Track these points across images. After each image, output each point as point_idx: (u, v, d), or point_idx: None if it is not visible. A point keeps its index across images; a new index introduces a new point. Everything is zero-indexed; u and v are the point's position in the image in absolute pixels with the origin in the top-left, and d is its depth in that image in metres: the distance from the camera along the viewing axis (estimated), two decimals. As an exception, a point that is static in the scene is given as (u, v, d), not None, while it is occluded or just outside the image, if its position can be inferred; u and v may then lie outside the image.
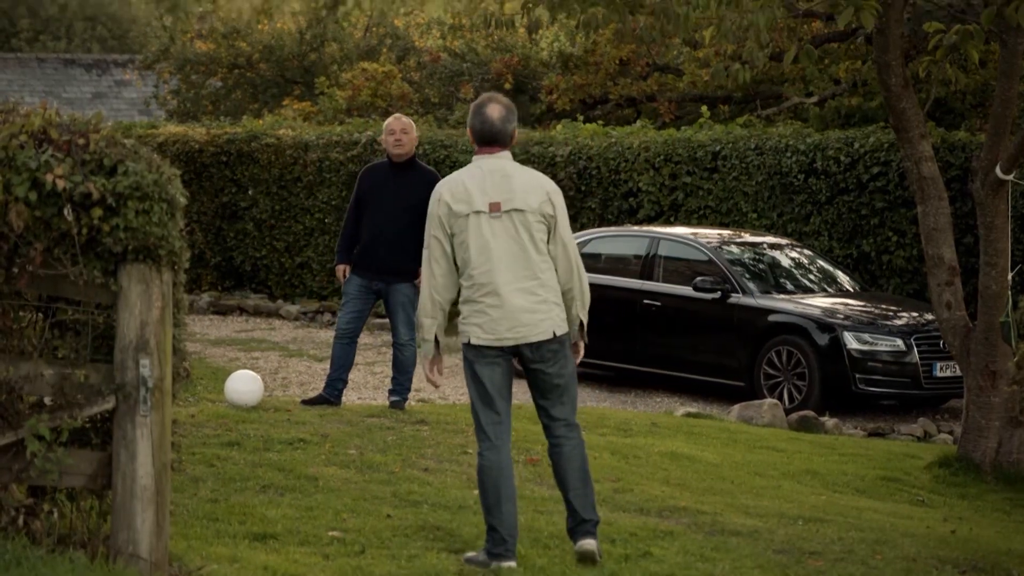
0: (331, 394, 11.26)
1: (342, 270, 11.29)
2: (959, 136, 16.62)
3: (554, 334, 6.84)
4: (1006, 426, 10.98)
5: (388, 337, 18.19)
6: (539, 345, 6.83)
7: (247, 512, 7.54)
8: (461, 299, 6.89)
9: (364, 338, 18.27)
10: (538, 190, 6.88)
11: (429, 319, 6.87)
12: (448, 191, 6.85)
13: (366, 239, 11.11)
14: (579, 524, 6.97)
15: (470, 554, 6.94)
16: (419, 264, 7.30)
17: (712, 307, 15.05)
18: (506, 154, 6.94)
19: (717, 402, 14.73)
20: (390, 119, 11.22)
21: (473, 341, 6.83)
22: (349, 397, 13.84)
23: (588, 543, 6.94)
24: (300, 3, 30.17)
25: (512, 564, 6.78)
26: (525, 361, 6.89)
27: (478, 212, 6.78)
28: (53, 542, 5.98)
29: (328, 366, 11.63)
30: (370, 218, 11.09)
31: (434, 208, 6.87)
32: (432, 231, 6.86)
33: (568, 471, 6.95)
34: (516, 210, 6.80)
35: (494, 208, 6.79)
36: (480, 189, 6.81)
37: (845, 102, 19.67)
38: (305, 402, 11.32)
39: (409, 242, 10.72)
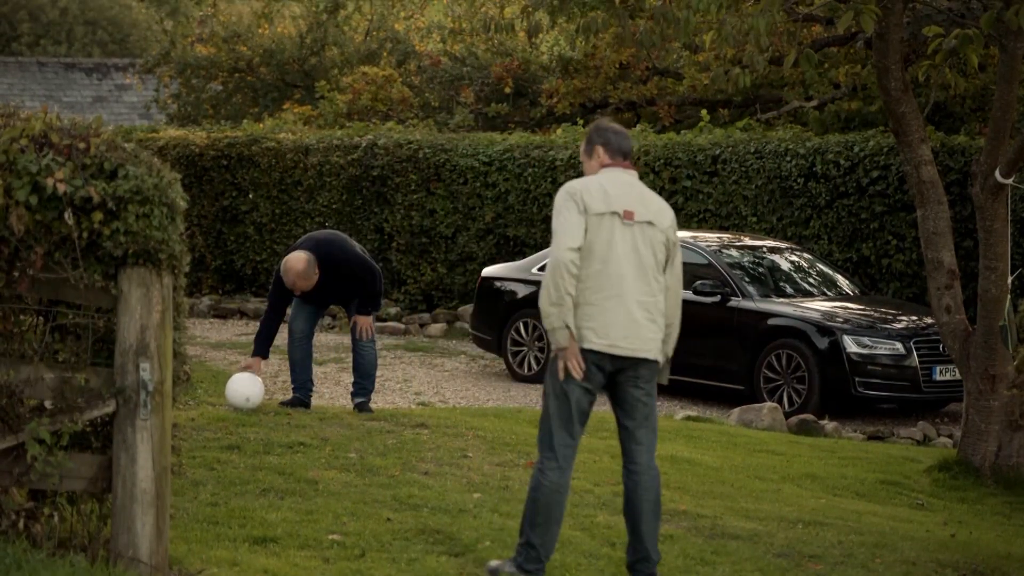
0: (305, 395, 11.38)
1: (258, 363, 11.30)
2: (959, 140, 16.63)
3: (657, 357, 6.77)
4: (1006, 430, 10.98)
5: (388, 341, 18.25)
6: (642, 364, 6.71)
7: (247, 515, 7.54)
8: (578, 303, 6.66)
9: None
10: (668, 213, 6.89)
11: (555, 307, 6.58)
12: (584, 188, 6.73)
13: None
14: (641, 561, 6.81)
15: (494, 563, 6.85)
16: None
17: (712, 311, 15.06)
18: (635, 173, 6.93)
19: (717, 406, 14.73)
20: (289, 280, 11.06)
21: (584, 345, 6.64)
22: (349, 400, 13.84)
23: None
24: (300, 7, 30.17)
25: None
26: (621, 378, 6.72)
27: (614, 213, 6.70)
28: (53, 546, 5.98)
29: (313, 369, 11.71)
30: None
31: (566, 201, 6.68)
32: (567, 215, 6.63)
33: (643, 502, 6.78)
34: (648, 223, 6.76)
35: (628, 216, 6.72)
36: (616, 194, 6.74)
37: (845, 106, 19.68)
38: (283, 404, 11.41)
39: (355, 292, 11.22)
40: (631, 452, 6.83)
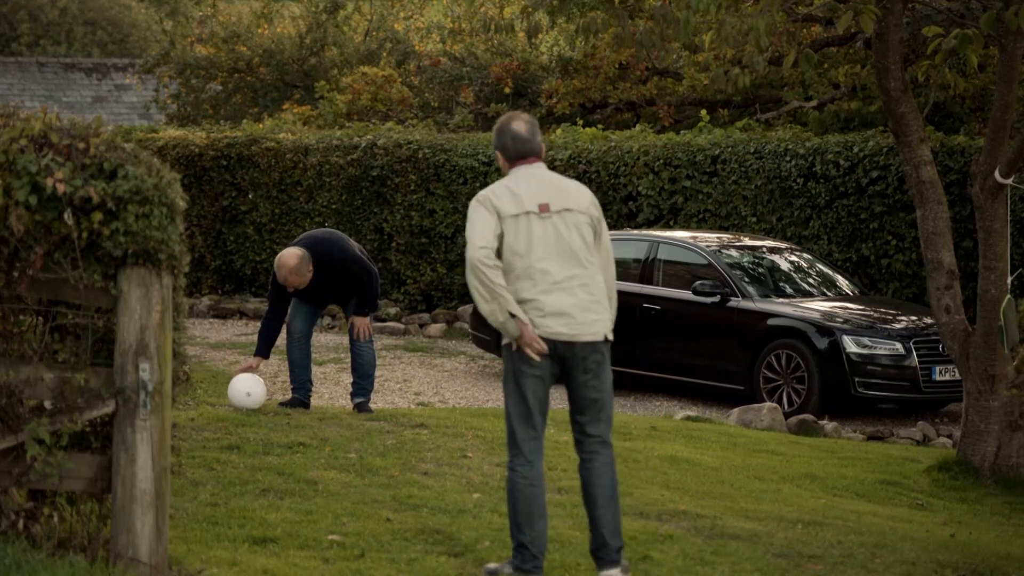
0: (304, 395, 11.37)
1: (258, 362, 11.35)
2: (958, 140, 16.63)
3: (605, 337, 6.79)
4: (1005, 430, 10.98)
5: (388, 341, 18.25)
6: (585, 352, 6.72)
7: (247, 516, 7.54)
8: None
9: (364, 342, 18.29)
10: (583, 192, 6.94)
11: (492, 303, 6.59)
12: (493, 195, 6.78)
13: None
14: (602, 547, 6.82)
15: (492, 565, 6.85)
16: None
17: (711, 311, 15.06)
18: (542, 165, 6.95)
19: (716, 406, 14.73)
20: (281, 275, 11.06)
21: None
22: (348, 401, 13.84)
23: (612, 574, 6.80)
24: (300, 7, 30.17)
25: None
26: (569, 369, 6.75)
27: (528, 212, 6.74)
28: (53, 546, 5.98)
29: (312, 369, 11.72)
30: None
31: (475, 208, 6.75)
32: (476, 220, 6.69)
33: (597, 487, 6.81)
34: (566, 210, 6.80)
35: (543, 209, 6.77)
36: (526, 192, 6.78)
37: (844, 106, 19.68)
38: (282, 404, 11.42)
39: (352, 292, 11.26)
40: (582, 443, 6.88)
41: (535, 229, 6.74)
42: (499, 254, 6.72)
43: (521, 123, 6.96)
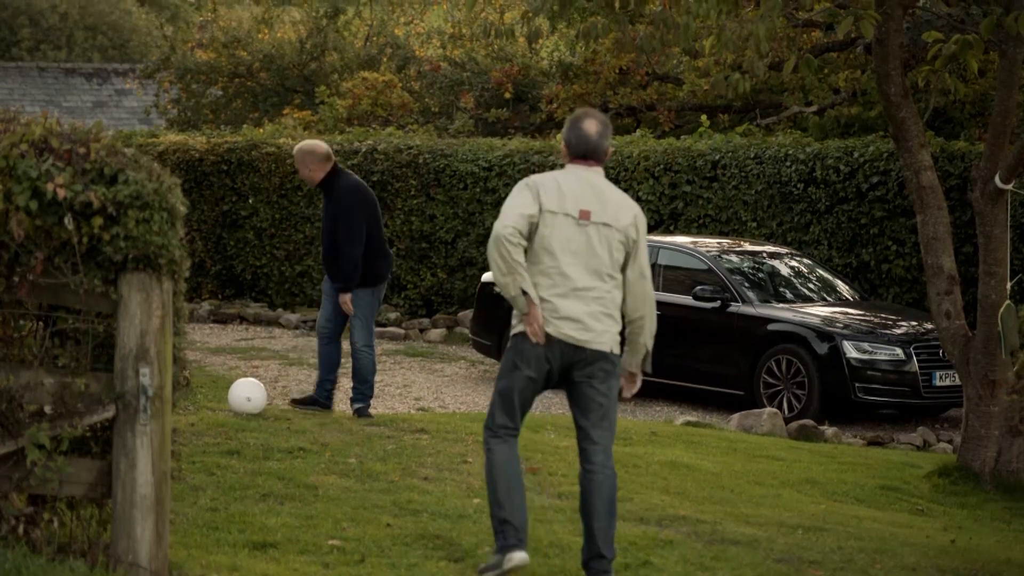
0: (320, 395, 11.33)
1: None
2: (958, 146, 16.64)
3: (611, 351, 6.78)
4: (1005, 435, 10.98)
5: (388, 346, 18.25)
6: (594, 358, 6.74)
7: (247, 521, 7.54)
8: None
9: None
10: (628, 211, 6.86)
11: (508, 276, 6.63)
12: (541, 184, 6.78)
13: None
14: (594, 558, 6.81)
15: (483, 565, 6.86)
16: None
17: (712, 316, 15.06)
18: (600, 170, 6.92)
19: (717, 411, 14.73)
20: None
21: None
22: (348, 406, 13.84)
23: None
24: (301, 12, 30.19)
25: (523, 554, 6.71)
26: (575, 374, 6.76)
27: (567, 215, 6.73)
28: (53, 551, 5.98)
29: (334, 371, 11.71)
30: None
31: (522, 189, 6.76)
32: (518, 198, 6.70)
33: (597, 500, 6.80)
34: (604, 224, 6.77)
35: (584, 215, 6.75)
36: (573, 194, 6.77)
37: (844, 111, 19.69)
38: (295, 402, 11.40)
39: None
40: (586, 452, 6.86)
41: (570, 232, 6.74)
42: (529, 239, 6.72)
43: (593, 123, 6.92)
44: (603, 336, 6.75)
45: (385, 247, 11.32)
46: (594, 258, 6.75)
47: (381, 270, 11.24)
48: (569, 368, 6.76)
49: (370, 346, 11.24)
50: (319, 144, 11.22)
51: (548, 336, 6.70)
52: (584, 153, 6.89)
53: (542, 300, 6.71)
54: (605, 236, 6.78)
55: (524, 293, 6.66)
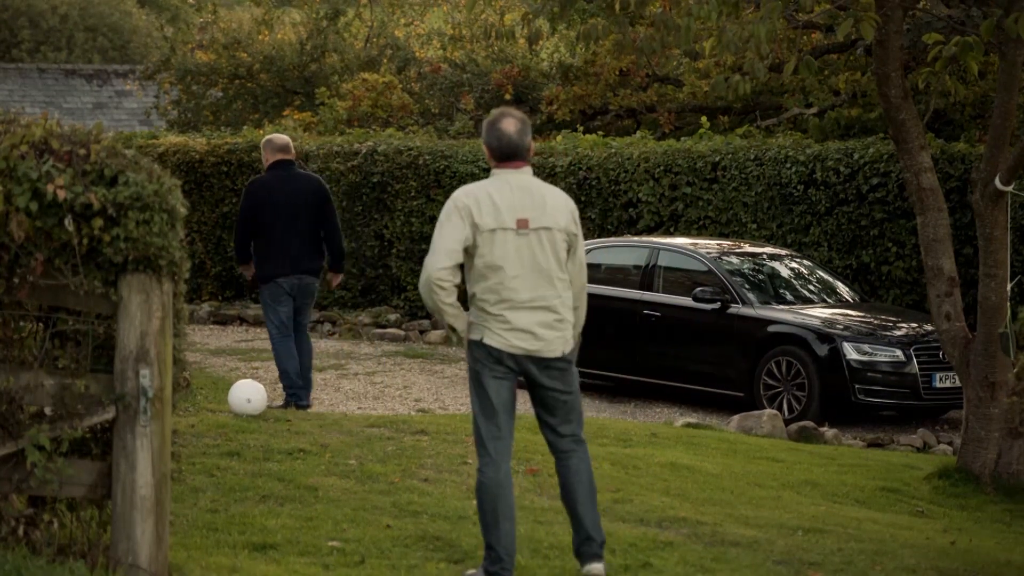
0: (291, 396, 11.53)
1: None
2: (958, 147, 16.64)
3: (563, 353, 6.78)
4: (1006, 437, 10.98)
5: (388, 347, 18.25)
6: (548, 363, 6.74)
7: (247, 522, 7.54)
8: (475, 306, 6.76)
9: (364, 348, 18.32)
10: (564, 209, 6.83)
11: (437, 314, 6.69)
12: (473, 201, 6.72)
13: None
14: (585, 543, 6.84)
15: (470, 572, 6.87)
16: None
17: (712, 317, 15.06)
18: (528, 169, 6.86)
19: (717, 412, 14.73)
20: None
21: (486, 339, 6.66)
22: (349, 407, 13.85)
23: (596, 568, 6.83)
24: (301, 14, 30.19)
25: None
26: (532, 379, 6.77)
27: (506, 228, 6.68)
28: (53, 552, 5.98)
29: (313, 376, 11.77)
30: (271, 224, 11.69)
31: (450, 215, 6.71)
32: (447, 228, 6.68)
33: (576, 484, 6.82)
34: (544, 228, 6.73)
35: (522, 225, 6.70)
36: (508, 205, 6.71)
37: (845, 113, 19.68)
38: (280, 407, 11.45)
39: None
40: (555, 444, 6.88)
41: (511, 245, 6.69)
42: (468, 256, 6.70)
43: (511, 122, 6.85)
44: (554, 343, 6.73)
45: (280, 251, 11.57)
46: (539, 265, 6.71)
47: (266, 272, 11.60)
48: (527, 371, 6.76)
49: (273, 337, 11.60)
50: (278, 136, 12.07)
51: (504, 351, 6.69)
52: (508, 155, 6.84)
53: (493, 314, 6.67)
54: (547, 240, 6.73)
55: (454, 330, 6.70)
